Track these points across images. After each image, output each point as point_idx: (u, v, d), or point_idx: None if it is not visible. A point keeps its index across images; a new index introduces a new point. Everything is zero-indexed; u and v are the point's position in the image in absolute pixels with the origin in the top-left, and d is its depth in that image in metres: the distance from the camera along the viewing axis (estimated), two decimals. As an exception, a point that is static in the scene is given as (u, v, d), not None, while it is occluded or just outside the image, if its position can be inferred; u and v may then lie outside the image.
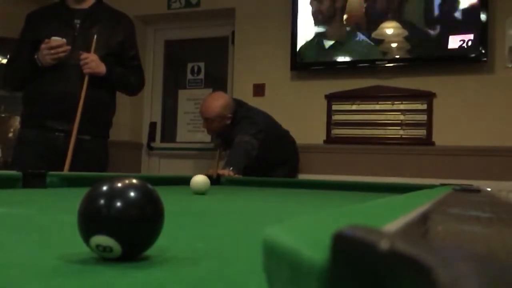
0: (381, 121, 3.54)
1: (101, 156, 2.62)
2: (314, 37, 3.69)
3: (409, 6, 3.50)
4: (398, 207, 0.51)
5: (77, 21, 2.51)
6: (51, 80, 2.42)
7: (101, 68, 2.46)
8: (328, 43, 3.67)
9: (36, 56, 2.39)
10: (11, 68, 2.60)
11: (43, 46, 2.36)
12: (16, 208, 0.99)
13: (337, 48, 3.65)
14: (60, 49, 2.36)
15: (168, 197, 1.30)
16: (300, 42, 3.70)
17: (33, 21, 2.56)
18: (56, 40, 2.37)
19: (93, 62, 2.42)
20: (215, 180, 2.39)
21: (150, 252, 0.45)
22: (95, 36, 2.45)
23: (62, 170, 2.24)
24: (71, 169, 2.29)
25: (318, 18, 3.70)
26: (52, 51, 2.35)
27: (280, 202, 1.48)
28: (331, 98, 3.66)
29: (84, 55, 2.41)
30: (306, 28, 3.71)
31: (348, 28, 3.64)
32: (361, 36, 3.58)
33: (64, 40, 2.39)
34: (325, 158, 3.60)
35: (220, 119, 2.96)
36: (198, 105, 3.46)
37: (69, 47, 2.38)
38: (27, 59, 2.44)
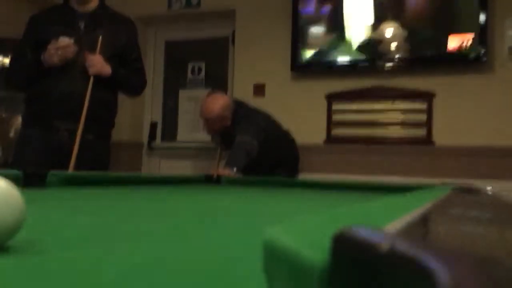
0: (381, 121, 3.54)
1: (104, 155, 2.62)
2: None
3: (409, 6, 3.50)
4: (398, 207, 0.51)
5: (81, 23, 2.52)
6: (56, 80, 2.43)
7: (106, 69, 2.47)
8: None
9: (42, 57, 2.40)
10: (15, 68, 2.59)
11: (50, 46, 2.36)
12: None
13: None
14: (68, 49, 2.37)
15: (167, 197, 1.30)
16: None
17: (37, 23, 2.56)
18: (64, 40, 2.38)
19: (98, 63, 2.43)
20: (215, 180, 2.40)
21: (149, 252, 0.45)
22: (100, 37, 2.46)
23: (66, 169, 2.25)
24: (76, 168, 2.29)
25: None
26: (60, 52, 2.36)
27: (280, 202, 1.48)
28: (331, 98, 3.66)
29: (90, 56, 2.42)
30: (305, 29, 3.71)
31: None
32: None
33: (72, 40, 2.40)
34: (325, 158, 3.60)
35: (220, 119, 2.96)
36: (199, 105, 3.46)
37: (76, 48, 2.39)
38: (32, 60, 2.44)
